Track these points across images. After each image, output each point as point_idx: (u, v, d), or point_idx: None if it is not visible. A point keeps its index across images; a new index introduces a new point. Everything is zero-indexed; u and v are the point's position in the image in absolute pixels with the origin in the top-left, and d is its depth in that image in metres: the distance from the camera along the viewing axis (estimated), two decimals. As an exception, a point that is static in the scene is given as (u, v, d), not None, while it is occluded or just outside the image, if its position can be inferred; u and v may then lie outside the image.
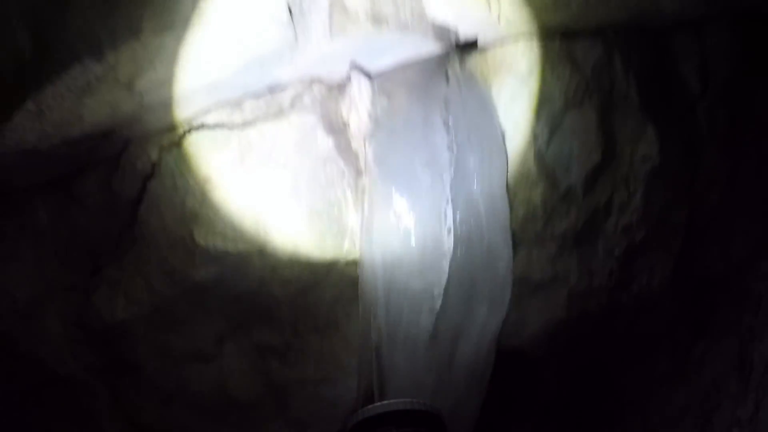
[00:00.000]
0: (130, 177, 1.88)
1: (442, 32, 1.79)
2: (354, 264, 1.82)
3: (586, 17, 1.66)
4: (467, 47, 1.81)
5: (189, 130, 1.82)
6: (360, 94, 1.73)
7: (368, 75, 1.78)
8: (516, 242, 1.82)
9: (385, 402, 1.37)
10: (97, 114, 1.64)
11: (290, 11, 1.53)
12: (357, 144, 1.80)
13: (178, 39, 1.54)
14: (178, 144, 1.82)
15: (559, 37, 1.72)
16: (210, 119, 1.83)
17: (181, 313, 1.90)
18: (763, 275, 1.66)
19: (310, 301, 1.88)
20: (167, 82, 1.65)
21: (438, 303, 1.70)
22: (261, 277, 1.84)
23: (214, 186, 1.78)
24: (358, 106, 1.74)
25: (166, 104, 1.75)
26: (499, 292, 1.75)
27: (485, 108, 1.79)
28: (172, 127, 1.86)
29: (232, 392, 1.93)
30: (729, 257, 1.70)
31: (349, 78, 1.81)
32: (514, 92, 1.79)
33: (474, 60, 1.81)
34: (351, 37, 1.64)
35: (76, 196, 1.93)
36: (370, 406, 1.35)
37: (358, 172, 1.80)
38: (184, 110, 1.83)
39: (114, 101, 1.63)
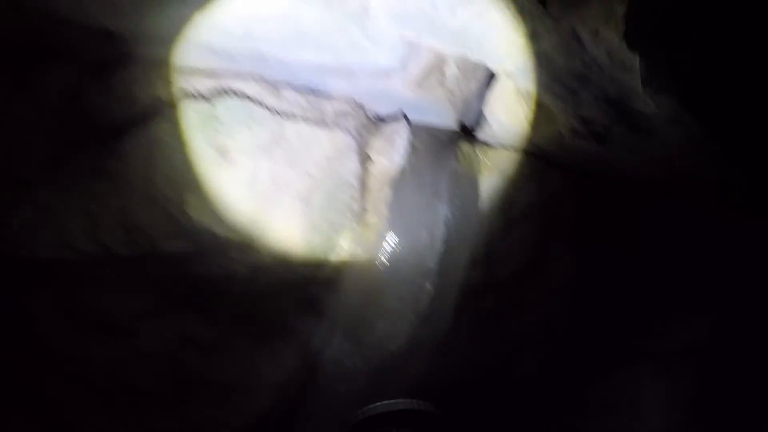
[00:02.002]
0: (119, 99, 1.76)
1: (471, 119, 2.27)
2: (325, 287, 2.05)
3: (566, 156, 2.34)
4: (474, 135, 2.32)
5: (228, 91, 1.82)
6: (401, 141, 2.05)
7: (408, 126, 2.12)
8: (448, 309, 2.33)
9: (386, 402, 1.47)
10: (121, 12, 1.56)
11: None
12: (374, 181, 2.08)
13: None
14: (207, 98, 1.80)
15: (543, 162, 2.37)
16: (249, 89, 1.87)
17: (114, 276, 1.81)
18: (595, 386, 2.52)
19: (259, 307, 2.00)
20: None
21: (395, 348, 2.07)
22: (231, 270, 1.90)
23: (231, 162, 1.82)
24: (394, 151, 2.05)
25: (201, 45, 1.76)
26: (436, 351, 2.22)
27: (474, 193, 2.29)
28: (198, 73, 1.84)
29: (131, 374, 1.87)
30: (583, 365, 2.53)
31: (392, 121, 2.11)
32: (495, 190, 2.34)
33: (477, 149, 2.32)
34: (424, 93, 1.97)
35: (30, 80, 1.70)
36: (370, 406, 1.44)
37: (364, 207, 2.08)
38: (217, 61, 1.84)
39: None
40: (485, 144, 2.30)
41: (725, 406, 2.26)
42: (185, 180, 1.77)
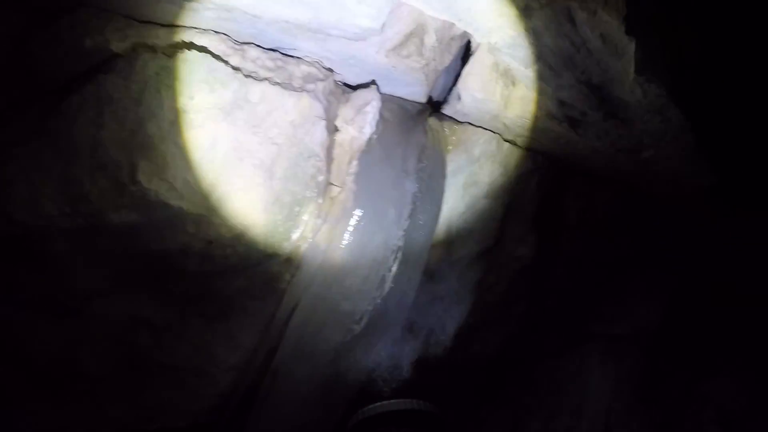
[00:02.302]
0: (67, 52, 1.59)
1: (441, 93, 2.22)
2: (286, 264, 1.96)
3: (535, 138, 2.34)
4: (443, 110, 2.28)
5: (188, 46, 1.68)
6: (371, 111, 1.96)
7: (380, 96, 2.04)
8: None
9: (386, 402, 1.53)
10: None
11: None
12: (340, 152, 2.00)
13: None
14: (165, 53, 1.65)
15: (510, 143, 2.36)
16: (211, 45, 1.74)
17: (58, 250, 1.65)
18: (545, 367, 2.60)
19: (215, 285, 1.89)
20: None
21: (357, 329, 2.02)
22: (186, 245, 1.78)
23: (189, 124, 1.69)
24: (364, 121, 1.96)
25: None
26: (398, 332, 2.20)
27: (440, 171, 2.25)
28: (156, 25, 1.69)
29: (81, 359, 1.74)
30: (536, 346, 2.59)
31: (362, 89, 2.02)
32: (459, 168, 2.31)
33: (444, 124, 2.29)
34: (400, 61, 1.90)
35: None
36: (370, 406, 1.49)
37: (330, 179, 1.99)
38: (178, 12, 1.70)
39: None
40: (453, 120, 2.27)
41: (670, 388, 2.39)
42: (137, 144, 1.62)
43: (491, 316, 2.54)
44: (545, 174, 2.47)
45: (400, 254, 2.06)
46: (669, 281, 2.49)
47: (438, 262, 2.40)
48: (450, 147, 2.31)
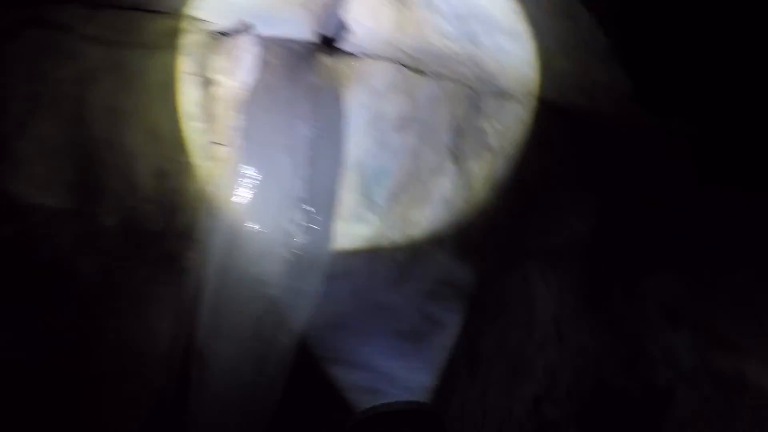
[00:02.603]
0: None
1: (330, 28, 2.09)
2: (182, 241, 1.85)
3: (437, 62, 2.21)
4: (335, 46, 2.15)
5: (36, 21, 1.52)
6: (249, 57, 1.83)
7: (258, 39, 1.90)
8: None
9: (385, 402, 1.56)
10: None
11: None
12: (222, 107, 1.87)
13: None
14: (13, 34, 1.49)
15: (412, 71, 2.25)
16: (62, 16, 1.57)
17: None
18: (489, 289, 2.61)
19: (118, 279, 1.78)
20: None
21: (271, 291, 1.96)
22: (71, 245, 1.67)
23: (45, 110, 1.55)
24: (241, 69, 1.84)
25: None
26: (317, 284, 2.14)
27: (338, 109, 2.16)
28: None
29: (2, 395, 1.65)
30: (477, 272, 2.60)
31: (235, 33, 1.87)
32: (362, 104, 2.21)
33: (339, 60, 2.16)
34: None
35: None
36: (370, 406, 1.53)
37: (213, 138, 1.87)
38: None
39: None
40: (348, 54, 2.15)
41: (612, 289, 2.42)
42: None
43: (422, 251, 2.51)
44: (456, 99, 2.39)
45: (305, 205, 1.98)
46: (595, 195, 2.47)
47: (355, 205, 2.33)
48: (349, 83, 2.19)
